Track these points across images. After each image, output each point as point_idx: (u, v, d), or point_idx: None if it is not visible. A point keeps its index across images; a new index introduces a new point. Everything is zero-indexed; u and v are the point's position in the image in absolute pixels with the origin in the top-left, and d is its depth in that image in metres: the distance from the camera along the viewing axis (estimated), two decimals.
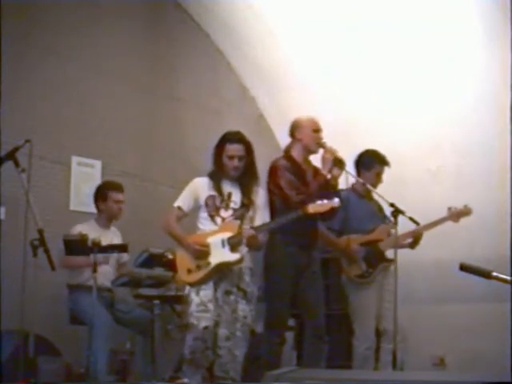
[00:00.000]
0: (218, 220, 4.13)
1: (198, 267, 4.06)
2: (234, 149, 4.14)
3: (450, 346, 5.75)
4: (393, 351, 4.58)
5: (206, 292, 4.01)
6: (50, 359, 4.54)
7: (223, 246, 4.04)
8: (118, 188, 5.11)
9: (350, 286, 4.74)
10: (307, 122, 4.55)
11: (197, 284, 4.06)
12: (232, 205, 4.14)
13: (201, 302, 3.97)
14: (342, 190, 4.73)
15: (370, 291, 4.65)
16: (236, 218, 4.12)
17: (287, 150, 4.58)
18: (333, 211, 4.17)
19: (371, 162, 4.80)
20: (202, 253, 4.06)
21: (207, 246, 4.06)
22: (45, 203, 5.01)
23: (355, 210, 4.73)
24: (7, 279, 4.44)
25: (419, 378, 2.89)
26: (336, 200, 4.01)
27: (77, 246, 4.51)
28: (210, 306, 3.98)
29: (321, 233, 4.75)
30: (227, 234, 4.05)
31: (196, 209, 4.22)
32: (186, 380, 4.16)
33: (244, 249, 4.11)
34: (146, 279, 4.95)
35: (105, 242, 4.57)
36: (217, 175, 4.20)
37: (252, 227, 4.05)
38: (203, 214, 4.17)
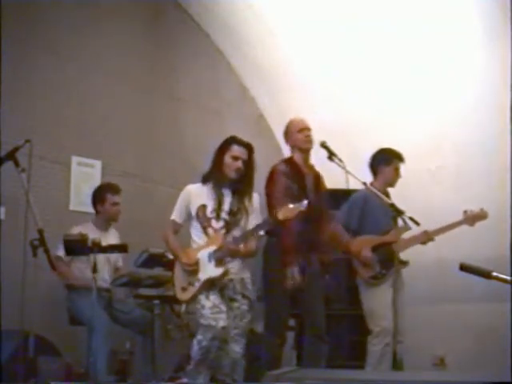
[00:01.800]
0: (211, 231, 4.09)
1: (190, 284, 4.06)
2: (240, 151, 4.13)
3: (450, 346, 5.75)
4: (393, 351, 4.60)
5: (216, 296, 4.01)
6: (50, 359, 4.53)
7: (209, 260, 4.02)
8: (115, 190, 5.12)
9: (364, 286, 4.74)
10: (291, 124, 4.70)
11: (190, 301, 4.08)
12: (223, 214, 4.09)
13: (213, 304, 3.96)
14: (360, 190, 4.74)
15: (385, 290, 4.65)
16: (228, 230, 4.08)
17: (291, 156, 4.64)
18: None
19: (390, 158, 4.87)
20: (192, 270, 4.06)
21: (197, 262, 4.05)
22: (45, 203, 5.01)
23: (372, 209, 4.73)
24: (7, 279, 4.43)
25: (419, 378, 2.89)
26: (304, 203, 3.91)
27: (77, 246, 4.51)
28: (223, 307, 3.98)
29: (335, 234, 4.78)
30: (212, 248, 4.04)
31: (189, 218, 4.19)
32: (185, 380, 4.15)
33: (238, 261, 4.09)
34: (146, 279, 4.96)
35: (103, 243, 4.58)
36: (214, 177, 4.16)
37: (220, 249, 4.00)
38: (196, 225, 4.15)
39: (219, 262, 4.02)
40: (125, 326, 4.97)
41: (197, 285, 4.02)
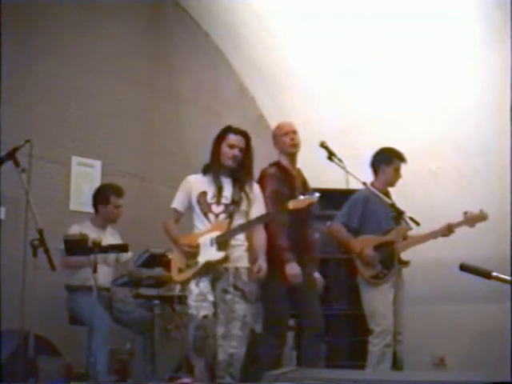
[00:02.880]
0: (211, 216, 4.11)
1: (188, 266, 4.09)
2: (237, 139, 4.15)
3: (450, 346, 5.75)
4: (393, 351, 4.61)
5: (206, 284, 4.02)
6: (50, 359, 4.53)
7: (211, 244, 4.04)
8: (120, 193, 5.13)
9: (365, 286, 4.73)
10: (277, 128, 4.70)
11: (185, 283, 4.10)
12: (223, 200, 4.12)
13: (200, 292, 3.98)
14: (360, 190, 4.74)
15: (386, 290, 4.66)
16: (228, 215, 4.10)
17: (278, 160, 4.64)
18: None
19: (391, 158, 4.87)
20: (192, 253, 4.07)
21: (197, 245, 4.07)
22: (45, 203, 5.01)
23: (373, 209, 4.74)
24: (7, 279, 4.44)
25: (419, 378, 2.89)
26: (316, 195, 3.96)
27: (77, 246, 4.52)
28: (210, 297, 3.98)
29: (336, 233, 4.78)
30: (216, 233, 4.05)
31: (191, 206, 4.21)
32: (186, 380, 4.16)
33: (237, 250, 4.10)
34: (146, 279, 4.96)
35: (102, 242, 4.58)
36: (212, 167, 4.19)
37: (225, 234, 4.03)
38: (197, 211, 4.17)
39: (221, 246, 4.03)
40: (125, 325, 4.97)
41: (194, 268, 4.04)
